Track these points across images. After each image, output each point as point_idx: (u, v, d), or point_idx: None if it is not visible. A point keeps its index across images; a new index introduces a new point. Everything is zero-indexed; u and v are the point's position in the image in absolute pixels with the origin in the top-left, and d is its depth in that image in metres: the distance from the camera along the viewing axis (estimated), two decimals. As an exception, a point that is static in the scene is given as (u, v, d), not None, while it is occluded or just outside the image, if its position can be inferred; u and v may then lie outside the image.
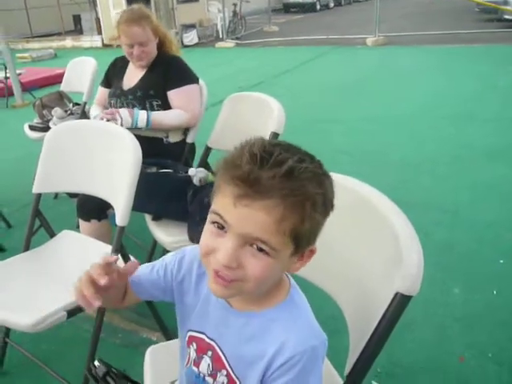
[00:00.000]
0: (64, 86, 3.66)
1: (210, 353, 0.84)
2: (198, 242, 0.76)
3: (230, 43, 11.97)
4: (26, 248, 1.79)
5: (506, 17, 10.90)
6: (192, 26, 12.56)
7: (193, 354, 0.88)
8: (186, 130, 2.33)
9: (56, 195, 3.32)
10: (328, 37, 11.05)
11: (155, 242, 2.15)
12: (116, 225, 1.55)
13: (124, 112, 2.10)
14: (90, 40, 13.91)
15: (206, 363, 0.84)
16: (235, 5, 13.05)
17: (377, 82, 6.69)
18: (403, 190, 3.20)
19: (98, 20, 13.67)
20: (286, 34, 12.33)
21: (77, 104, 3.42)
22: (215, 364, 0.83)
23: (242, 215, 0.67)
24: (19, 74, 6.85)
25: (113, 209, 1.62)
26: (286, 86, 6.75)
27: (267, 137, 1.79)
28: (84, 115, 3.25)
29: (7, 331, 1.80)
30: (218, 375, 0.82)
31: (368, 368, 0.89)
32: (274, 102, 1.99)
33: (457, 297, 2.16)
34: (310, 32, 12.12)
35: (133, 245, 2.23)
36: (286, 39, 11.54)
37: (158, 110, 2.22)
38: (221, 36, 12.60)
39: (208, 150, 2.33)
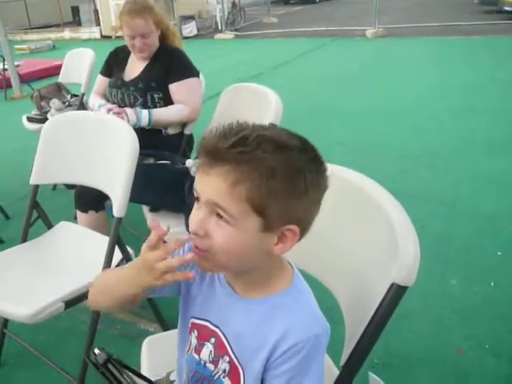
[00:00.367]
0: (62, 78, 3.65)
1: (213, 340, 0.84)
2: None
3: (229, 35, 11.92)
4: (24, 239, 1.80)
5: (506, 8, 10.84)
6: (191, 18, 12.49)
7: (194, 341, 0.88)
8: (184, 122, 2.32)
9: (54, 186, 3.32)
10: (327, 28, 11.00)
11: (153, 234, 2.15)
12: (113, 216, 1.55)
13: (131, 113, 2.08)
14: (89, 31, 13.85)
15: (207, 350, 0.85)
16: (234, -4, 12.99)
17: (376, 74, 6.66)
18: (401, 181, 3.20)
19: (96, 11, 13.60)
20: (285, 26, 12.28)
21: (75, 95, 3.41)
22: (218, 350, 0.83)
23: (204, 182, 0.72)
24: (17, 66, 6.83)
25: (110, 200, 1.61)
26: (285, 78, 6.73)
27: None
28: (82, 106, 3.24)
29: (5, 322, 1.80)
30: (220, 362, 0.82)
31: (364, 358, 0.89)
32: (271, 94, 1.98)
33: (455, 288, 2.16)
34: (310, 23, 12.06)
35: (130, 236, 2.22)
36: (285, 31, 11.50)
37: (158, 102, 2.20)
38: (220, 27, 12.54)
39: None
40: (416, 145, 3.96)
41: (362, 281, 0.97)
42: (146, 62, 2.26)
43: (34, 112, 3.44)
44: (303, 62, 8.06)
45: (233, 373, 0.81)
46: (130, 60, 2.33)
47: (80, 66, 3.36)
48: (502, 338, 1.86)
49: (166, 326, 1.87)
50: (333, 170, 0.74)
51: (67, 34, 14.36)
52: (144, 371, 1.13)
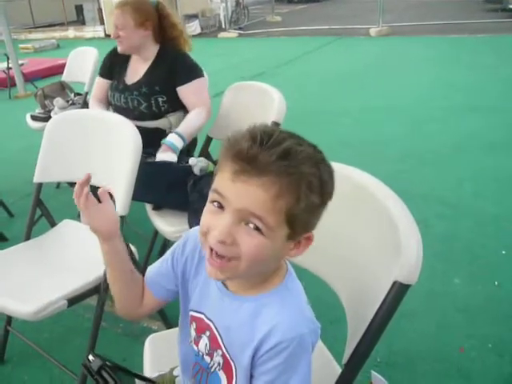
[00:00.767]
0: (66, 76, 3.66)
1: (208, 333, 0.85)
2: None
3: (232, 33, 11.92)
4: (28, 237, 1.80)
5: (511, 6, 10.80)
6: (194, 16, 12.50)
7: (193, 333, 0.90)
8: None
9: (58, 185, 3.33)
10: (331, 27, 10.99)
11: (156, 232, 2.16)
12: (116, 214, 1.55)
13: (169, 155, 2.02)
14: (93, 30, 13.87)
15: (204, 342, 0.86)
16: (238, -6, 13.00)
17: (379, 73, 6.65)
18: (404, 180, 3.19)
19: (100, 10, 13.63)
20: (288, 24, 12.27)
21: (78, 94, 3.42)
22: (212, 344, 0.84)
23: (240, 190, 0.69)
24: (21, 65, 6.83)
25: (113, 198, 1.62)
26: (289, 77, 6.73)
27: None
28: (85, 105, 3.24)
29: (9, 319, 1.81)
30: (215, 355, 0.84)
31: (366, 357, 0.89)
32: (274, 92, 1.98)
33: (458, 288, 2.16)
34: (313, 22, 12.05)
35: (134, 234, 2.23)
36: (289, 29, 11.49)
37: (163, 105, 2.19)
38: (223, 26, 12.55)
39: (209, 139, 2.32)
40: (419, 144, 3.95)
41: (365, 279, 0.97)
42: (148, 64, 2.24)
43: (38, 110, 3.45)
44: (307, 61, 8.05)
45: (226, 366, 0.82)
46: (131, 62, 2.31)
47: (84, 64, 3.37)
48: (505, 337, 1.85)
49: (169, 323, 1.87)
50: (337, 168, 0.74)
51: (71, 32, 14.39)
52: (147, 369, 1.14)
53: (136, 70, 2.27)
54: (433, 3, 14.15)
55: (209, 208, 0.74)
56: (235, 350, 0.81)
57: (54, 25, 15.63)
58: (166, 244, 2.21)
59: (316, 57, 8.42)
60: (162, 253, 2.20)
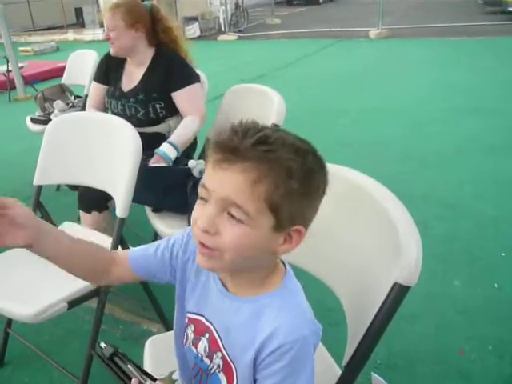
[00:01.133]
0: (65, 79, 3.67)
1: (207, 335, 0.85)
2: None
3: (232, 36, 11.94)
4: (27, 240, 1.80)
5: (510, 9, 10.84)
6: (194, 19, 12.52)
7: (191, 335, 0.89)
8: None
9: (58, 187, 3.33)
10: (331, 29, 11.03)
11: (156, 234, 2.16)
12: (116, 216, 1.55)
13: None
14: (92, 33, 13.90)
15: (203, 345, 0.86)
16: (237, -3, 13.04)
17: (379, 75, 6.66)
18: (404, 182, 3.19)
19: (99, 13, 13.64)
20: (288, 27, 12.30)
21: (78, 97, 3.42)
22: (211, 346, 0.84)
23: (220, 178, 0.71)
24: (21, 68, 6.84)
25: (114, 200, 1.62)
26: (288, 79, 6.74)
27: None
28: (85, 108, 3.24)
29: (9, 322, 1.81)
30: (214, 357, 0.83)
31: (366, 359, 0.89)
32: (274, 94, 1.99)
33: (458, 289, 2.16)
34: (313, 25, 12.07)
35: (134, 236, 2.23)
36: (289, 32, 11.52)
37: (161, 112, 2.19)
38: (223, 29, 12.57)
39: (209, 142, 2.32)
40: (419, 145, 3.96)
41: (365, 280, 0.97)
42: (144, 70, 2.22)
43: (38, 113, 3.45)
44: (306, 63, 8.07)
45: (226, 369, 0.82)
46: (126, 67, 2.29)
47: (83, 67, 3.38)
48: (505, 338, 1.85)
49: (168, 326, 1.87)
50: (335, 170, 0.74)
51: (71, 35, 14.41)
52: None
53: (131, 76, 2.25)
54: (432, 6, 14.19)
55: (197, 202, 0.76)
56: (235, 352, 0.80)
57: (54, 28, 15.66)
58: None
59: (316, 59, 8.43)
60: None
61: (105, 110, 2.40)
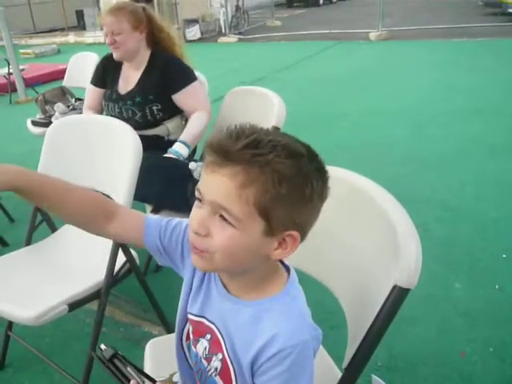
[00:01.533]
0: (66, 82, 3.68)
1: (208, 336, 0.85)
2: None
3: (232, 38, 11.96)
4: (28, 242, 1.81)
5: (510, 10, 10.84)
6: (195, 21, 12.54)
7: (191, 336, 0.90)
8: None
9: (59, 190, 3.33)
10: (331, 31, 11.04)
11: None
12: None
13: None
14: (93, 36, 13.89)
15: (202, 346, 0.85)
16: (238, -1, 13.05)
17: (379, 77, 6.66)
18: (405, 184, 3.20)
19: (99, 16, 13.66)
20: (288, 29, 12.30)
21: (79, 99, 3.42)
22: (213, 347, 0.83)
23: (210, 181, 0.71)
24: (22, 70, 6.85)
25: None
26: (289, 81, 6.74)
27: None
28: (86, 110, 3.25)
29: (10, 324, 1.81)
30: (213, 359, 0.83)
31: (366, 361, 0.89)
32: (275, 96, 1.99)
33: (459, 292, 2.16)
34: (313, 27, 12.08)
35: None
36: (289, 34, 11.52)
37: (158, 114, 2.19)
38: (223, 31, 12.59)
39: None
40: (420, 147, 3.96)
41: (365, 283, 0.97)
42: (140, 72, 2.23)
43: (39, 116, 3.46)
44: (307, 65, 8.07)
45: (224, 372, 0.81)
46: (122, 70, 2.29)
47: (84, 69, 3.37)
48: (506, 340, 1.85)
49: (169, 328, 1.87)
50: (335, 172, 0.74)
51: (72, 38, 14.42)
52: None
53: (128, 79, 2.25)
54: (432, 8, 14.20)
55: (195, 203, 0.76)
56: (236, 354, 0.80)
57: (55, 30, 15.67)
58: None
59: (316, 61, 8.44)
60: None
61: (101, 112, 2.40)
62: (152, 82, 2.19)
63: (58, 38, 14.42)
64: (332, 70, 7.50)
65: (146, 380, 0.82)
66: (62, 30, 15.63)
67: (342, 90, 6.17)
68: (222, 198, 0.69)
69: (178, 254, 0.90)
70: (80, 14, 16.02)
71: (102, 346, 0.83)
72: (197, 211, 0.74)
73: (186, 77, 2.21)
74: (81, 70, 3.47)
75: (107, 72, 2.33)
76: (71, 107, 3.30)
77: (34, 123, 3.40)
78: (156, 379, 0.98)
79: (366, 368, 0.90)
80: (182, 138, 2.12)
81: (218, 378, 0.83)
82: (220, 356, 0.82)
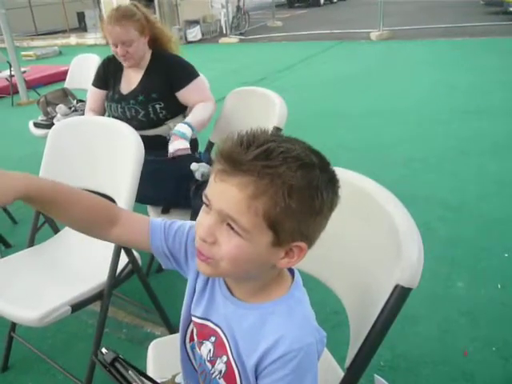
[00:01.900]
0: (68, 83, 3.68)
1: (213, 338, 0.84)
2: None
3: (233, 39, 11.96)
4: (31, 244, 1.81)
5: (511, 9, 10.82)
6: (195, 22, 12.55)
7: (195, 338, 0.90)
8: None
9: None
10: (332, 31, 11.03)
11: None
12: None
13: (181, 142, 2.01)
14: (94, 37, 13.91)
15: (206, 349, 0.85)
16: (239, 0, 13.02)
17: (381, 77, 6.66)
18: (408, 184, 3.19)
19: (102, 17, 13.68)
20: (289, 29, 12.30)
21: (81, 101, 3.43)
22: (217, 350, 0.83)
23: (219, 190, 0.70)
24: (24, 72, 6.86)
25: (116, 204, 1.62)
26: (290, 81, 6.74)
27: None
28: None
29: (13, 326, 1.81)
30: (218, 362, 0.82)
31: (368, 361, 0.89)
32: (276, 97, 1.99)
33: (461, 291, 2.15)
34: (314, 27, 12.07)
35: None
36: (290, 34, 11.51)
37: (161, 112, 2.19)
38: (224, 32, 12.58)
39: (211, 144, 2.33)
40: (422, 147, 3.95)
41: (367, 283, 0.97)
42: (142, 72, 2.23)
43: (41, 118, 3.46)
44: (308, 66, 8.07)
45: (228, 375, 0.81)
46: (124, 71, 2.28)
47: (86, 71, 3.38)
48: (509, 340, 1.85)
49: (172, 329, 1.88)
50: (337, 173, 0.74)
51: (73, 39, 14.45)
52: (150, 374, 1.14)
53: (130, 79, 2.25)
54: (433, 7, 14.17)
55: (203, 207, 0.75)
56: (241, 356, 0.79)
57: (56, 32, 15.70)
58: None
59: (317, 61, 8.43)
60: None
61: (104, 113, 2.40)
62: (154, 80, 2.19)
63: (60, 40, 14.45)
64: (333, 69, 7.50)
65: (147, 383, 0.82)
66: (64, 31, 15.65)
67: (343, 89, 6.16)
68: (231, 208, 0.68)
69: (181, 255, 0.90)
70: (81, 16, 16.05)
71: (103, 350, 0.83)
72: (204, 217, 0.73)
73: (189, 73, 2.22)
74: (82, 71, 3.48)
75: (109, 73, 2.32)
76: (73, 109, 3.30)
77: (36, 125, 3.40)
78: (158, 381, 0.99)
79: (368, 368, 0.90)
80: (187, 120, 2.10)
81: (222, 381, 0.82)
82: (225, 359, 0.81)
